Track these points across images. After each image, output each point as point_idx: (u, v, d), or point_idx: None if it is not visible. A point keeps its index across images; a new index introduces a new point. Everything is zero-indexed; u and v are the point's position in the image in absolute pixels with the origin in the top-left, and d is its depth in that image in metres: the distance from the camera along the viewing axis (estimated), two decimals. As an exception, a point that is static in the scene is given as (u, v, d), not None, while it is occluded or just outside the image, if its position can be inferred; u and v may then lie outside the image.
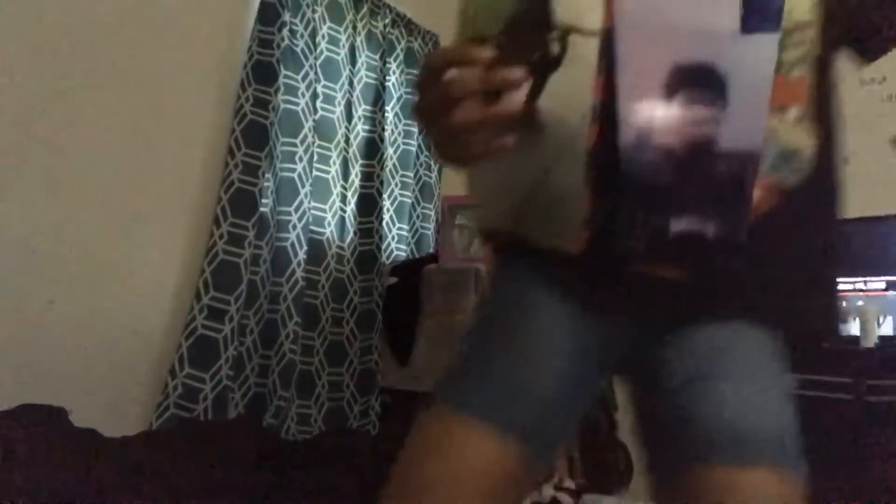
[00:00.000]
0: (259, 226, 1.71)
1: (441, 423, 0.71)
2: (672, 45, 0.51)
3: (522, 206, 0.62)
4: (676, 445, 0.68)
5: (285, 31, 1.82)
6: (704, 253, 0.55)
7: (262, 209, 1.72)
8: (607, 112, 0.52)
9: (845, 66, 2.41)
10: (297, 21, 1.87)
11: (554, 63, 0.55)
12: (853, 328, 2.12)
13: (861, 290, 2.18)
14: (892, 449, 1.80)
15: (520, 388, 0.71)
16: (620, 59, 0.52)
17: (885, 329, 2.09)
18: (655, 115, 0.51)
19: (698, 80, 0.51)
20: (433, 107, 0.57)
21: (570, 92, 0.54)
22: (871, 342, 2.00)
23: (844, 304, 2.20)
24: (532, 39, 0.56)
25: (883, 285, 2.15)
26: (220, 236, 1.65)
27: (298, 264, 1.85)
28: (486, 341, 0.76)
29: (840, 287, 2.22)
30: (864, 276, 2.18)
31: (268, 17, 1.79)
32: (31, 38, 1.39)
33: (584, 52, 0.54)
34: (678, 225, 0.54)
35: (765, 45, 0.49)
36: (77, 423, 1.36)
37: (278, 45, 1.79)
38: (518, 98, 0.54)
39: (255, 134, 1.73)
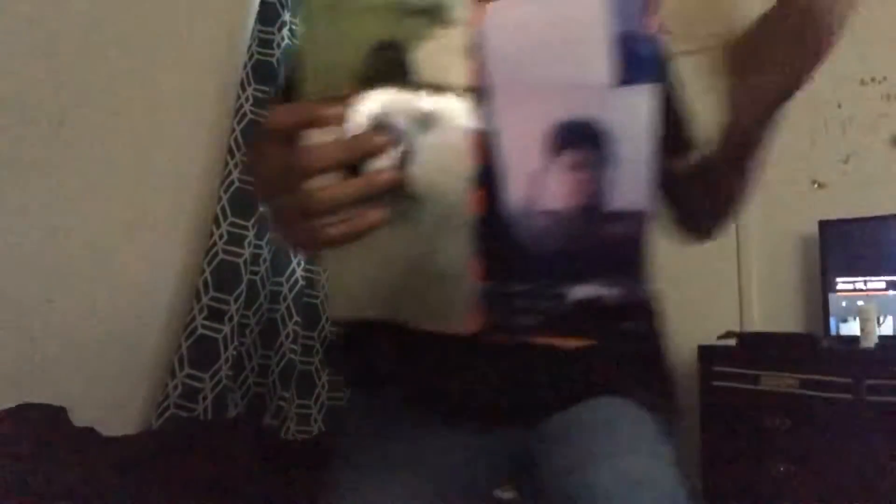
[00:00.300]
0: (259, 226, 1.71)
1: None
2: (547, 102, 0.48)
3: (399, 288, 0.53)
4: None
5: (285, 31, 1.82)
6: (607, 318, 0.53)
7: (262, 209, 1.72)
8: (488, 177, 0.49)
9: (845, 66, 2.41)
10: (297, 21, 1.87)
11: (422, 125, 0.49)
12: (853, 328, 2.12)
13: (861, 290, 2.18)
14: (893, 449, 1.80)
15: None
16: (498, 119, 0.49)
17: (885, 329, 2.10)
18: (540, 177, 0.49)
19: (580, 138, 0.48)
20: (278, 180, 0.48)
21: (443, 157, 0.48)
22: (871, 342, 2.00)
23: (844, 303, 2.20)
24: (394, 99, 0.49)
25: (883, 285, 2.15)
26: (220, 236, 1.65)
27: (298, 264, 1.85)
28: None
29: (840, 287, 2.22)
30: (864, 276, 2.19)
31: (268, 16, 1.79)
32: (29, 38, 1.39)
33: (454, 111, 0.48)
34: (576, 292, 0.52)
35: (643, 97, 0.47)
36: (77, 422, 1.36)
37: (278, 45, 1.79)
38: (387, 166, 0.47)
39: (255, 133, 1.73)
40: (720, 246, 2.60)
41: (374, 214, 0.47)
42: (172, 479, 1.41)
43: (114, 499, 1.30)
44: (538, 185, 0.49)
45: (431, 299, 0.53)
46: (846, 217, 2.27)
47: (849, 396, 1.88)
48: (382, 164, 0.47)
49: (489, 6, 0.49)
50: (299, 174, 0.46)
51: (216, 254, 1.64)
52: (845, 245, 2.24)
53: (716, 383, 2.15)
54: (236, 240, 1.66)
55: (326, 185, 0.46)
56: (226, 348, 1.62)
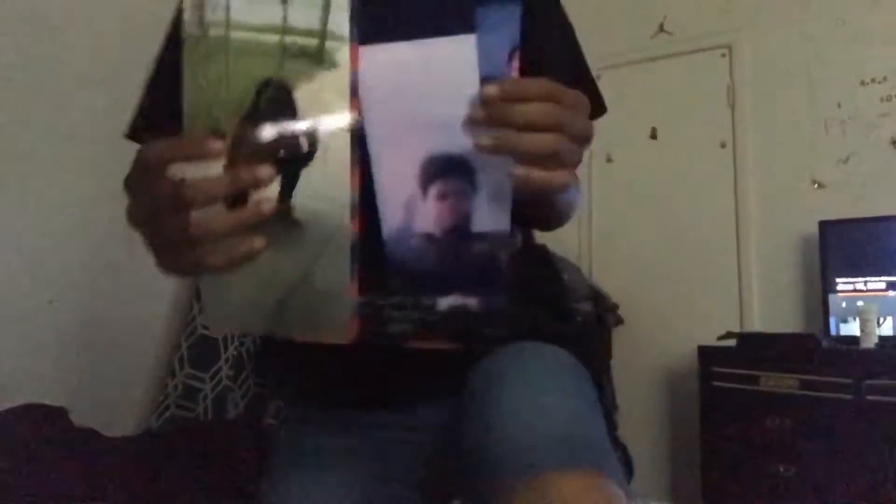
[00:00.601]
0: (259, 226, 1.72)
1: None
2: (420, 136, 0.54)
3: (280, 306, 0.57)
4: (469, 479, 0.64)
5: (285, 32, 1.82)
6: (471, 324, 0.59)
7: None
8: (367, 204, 0.54)
9: (845, 66, 2.42)
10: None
11: (304, 158, 0.53)
12: (853, 328, 2.13)
13: (861, 290, 2.18)
14: (893, 449, 1.80)
15: None
16: (373, 154, 0.55)
17: (885, 329, 2.10)
18: (414, 203, 0.55)
19: (449, 169, 0.55)
20: (158, 210, 0.50)
21: (325, 186, 0.54)
22: (871, 342, 2.00)
23: (844, 304, 2.20)
24: (278, 134, 0.53)
25: (883, 285, 2.15)
26: (220, 236, 1.65)
27: (298, 264, 1.85)
28: None
29: (840, 287, 2.22)
30: (864, 276, 2.19)
31: (268, 17, 1.79)
32: (31, 37, 1.39)
33: (335, 145, 0.53)
34: (445, 302, 0.58)
35: None
36: (77, 422, 1.37)
37: (278, 46, 1.79)
38: (268, 197, 0.51)
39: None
40: (720, 246, 2.60)
41: (254, 242, 0.51)
42: (172, 479, 1.41)
43: (113, 499, 1.30)
44: (412, 211, 0.55)
45: (311, 314, 0.58)
46: (846, 217, 2.28)
47: (849, 396, 1.88)
48: (265, 193, 0.51)
49: (365, 49, 0.55)
50: (182, 205, 0.49)
51: (216, 254, 1.64)
52: (845, 245, 2.24)
53: (716, 383, 2.15)
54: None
55: (209, 217, 0.49)
56: (226, 348, 1.62)
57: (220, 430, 1.57)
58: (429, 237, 0.56)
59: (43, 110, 1.42)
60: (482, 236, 0.57)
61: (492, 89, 0.51)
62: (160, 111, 0.73)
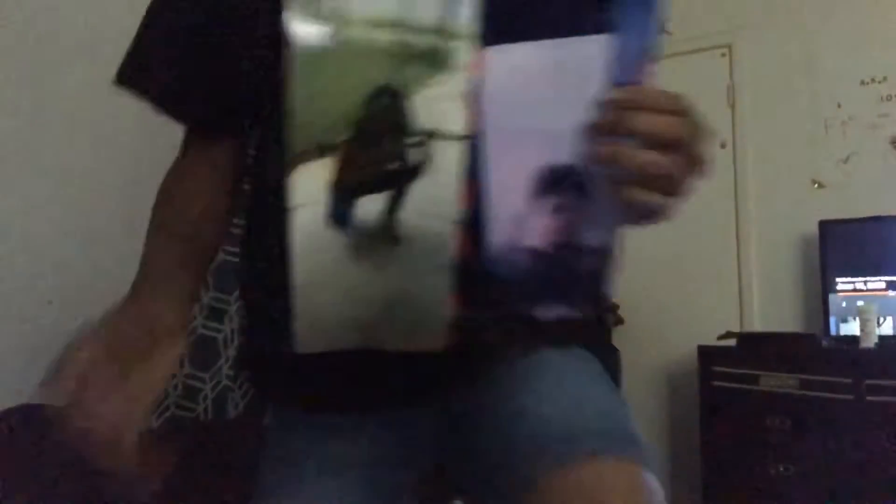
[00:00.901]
0: (259, 226, 1.71)
1: None
2: (538, 146, 0.50)
3: (376, 321, 0.55)
4: (499, 470, 0.62)
5: (285, 31, 1.82)
6: (569, 335, 0.60)
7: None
8: (474, 219, 0.51)
9: (845, 66, 2.41)
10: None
11: (414, 171, 0.50)
12: (853, 328, 2.13)
13: (861, 290, 2.18)
14: (893, 449, 1.80)
15: None
16: (489, 164, 0.51)
17: (885, 329, 2.10)
18: (523, 219, 0.51)
19: (564, 182, 0.51)
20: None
21: (433, 201, 0.50)
22: (871, 342, 2.00)
23: (844, 303, 2.21)
24: (387, 148, 0.50)
25: (883, 285, 2.15)
26: (220, 236, 1.65)
27: (298, 264, 1.85)
28: None
29: (840, 287, 2.22)
30: (864, 276, 2.19)
31: (268, 17, 1.79)
32: (33, 37, 1.39)
33: (447, 157, 0.50)
34: (544, 314, 0.56)
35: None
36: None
37: (278, 45, 1.79)
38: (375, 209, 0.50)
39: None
40: (720, 246, 2.60)
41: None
42: (171, 479, 1.41)
43: (113, 499, 1.30)
44: (521, 227, 0.52)
45: (406, 328, 0.56)
46: (846, 217, 2.27)
47: (849, 396, 1.89)
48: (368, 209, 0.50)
49: (489, 51, 0.50)
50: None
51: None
52: (845, 245, 2.24)
53: (716, 383, 2.15)
54: (237, 239, 1.66)
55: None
56: (226, 348, 1.62)
57: (220, 430, 1.57)
58: (535, 251, 0.52)
59: (43, 110, 1.42)
60: (590, 251, 0.53)
61: (618, 95, 0.48)
62: (156, 54, 0.74)
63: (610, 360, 0.75)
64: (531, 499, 0.57)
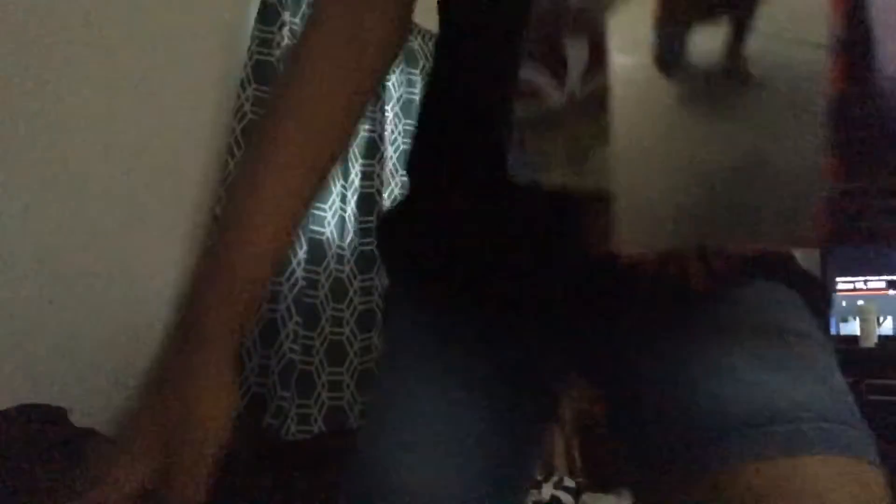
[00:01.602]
0: (259, 226, 1.71)
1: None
2: None
3: (721, 204, 0.41)
4: (675, 447, 0.49)
5: (285, 31, 1.82)
6: None
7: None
8: (852, 44, 0.37)
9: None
10: (297, 21, 1.87)
11: None
12: (853, 328, 2.13)
13: (861, 290, 2.18)
14: (893, 449, 1.80)
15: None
16: None
17: (885, 329, 2.10)
18: None
19: None
20: None
21: (793, 20, 0.37)
22: (871, 342, 2.00)
23: (844, 303, 2.21)
24: None
25: (883, 285, 2.16)
26: (220, 236, 1.65)
27: (298, 264, 1.85)
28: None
29: (840, 287, 2.22)
30: (864, 276, 2.19)
31: (268, 17, 1.79)
32: (30, 36, 1.39)
33: None
34: None
35: None
36: (77, 422, 1.36)
37: (278, 45, 1.79)
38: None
39: None
40: (720, 246, 2.60)
41: None
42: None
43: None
44: None
45: (762, 212, 0.41)
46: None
47: (849, 396, 1.89)
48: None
49: None
50: None
51: (216, 254, 1.64)
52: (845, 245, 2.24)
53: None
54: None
55: None
56: (226, 348, 1.62)
57: (220, 429, 1.56)
58: None
59: (42, 110, 1.42)
60: None
61: None
62: None
63: (818, 298, 0.58)
64: (706, 492, 0.45)
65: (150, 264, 1.60)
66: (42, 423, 1.30)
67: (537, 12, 0.44)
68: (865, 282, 2.19)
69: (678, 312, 0.53)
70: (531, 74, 0.45)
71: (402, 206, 0.67)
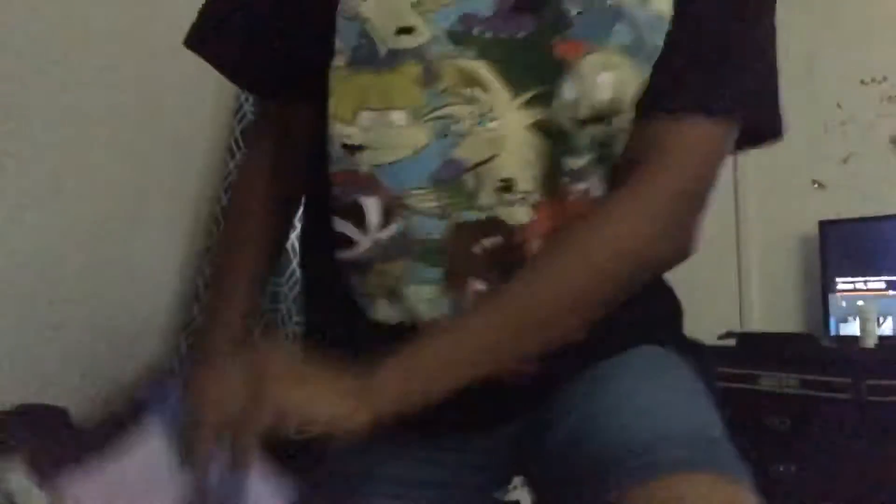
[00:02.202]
0: (259, 226, 1.71)
1: None
2: None
3: None
4: (584, 485, 0.56)
5: (285, 31, 1.82)
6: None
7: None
8: None
9: (845, 66, 2.41)
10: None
11: None
12: (853, 328, 2.12)
13: (861, 290, 2.18)
14: (893, 449, 1.80)
15: None
16: None
17: (885, 329, 2.09)
18: None
19: None
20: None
21: None
22: (871, 342, 2.00)
23: (844, 303, 2.20)
24: None
25: (883, 285, 2.15)
26: (220, 236, 1.65)
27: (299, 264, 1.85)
28: None
29: (840, 287, 2.22)
30: (864, 275, 2.19)
31: (268, 17, 1.78)
32: (30, 36, 1.39)
33: None
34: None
35: None
36: (77, 423, 1.36)
37: (278, 45, 1.79)
38: None
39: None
40: (720, 246, 2.60)
41: None
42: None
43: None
44: None
45: None
46: (846, 217, 2.27)
47: (849, 396, 1.88)
48: None
49: None
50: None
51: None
52: (845, 245, 2.24)
53: (716, 383, 2.15)
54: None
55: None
56: (226, 348, 1.61)
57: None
58: None
59: (42, 110, 1.42)
60: None
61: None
62: (228, 18, 0.72)
63: (703, 360, 0.70)
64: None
65: (150, 264, 1.60)
66: (42, 422, 1.30)
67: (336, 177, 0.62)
68: (865, 282, 2.18)
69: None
70: (340, 225, 0.63)
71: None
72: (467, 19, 0.57)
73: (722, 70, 0.60)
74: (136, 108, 1.58)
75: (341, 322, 0.67)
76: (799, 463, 1.94)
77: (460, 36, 0.57)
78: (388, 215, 0.60)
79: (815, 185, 2.46)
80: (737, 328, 2.42)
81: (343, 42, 0.60)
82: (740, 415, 2.11)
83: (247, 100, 1.73)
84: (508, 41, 0.57)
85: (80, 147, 1.47)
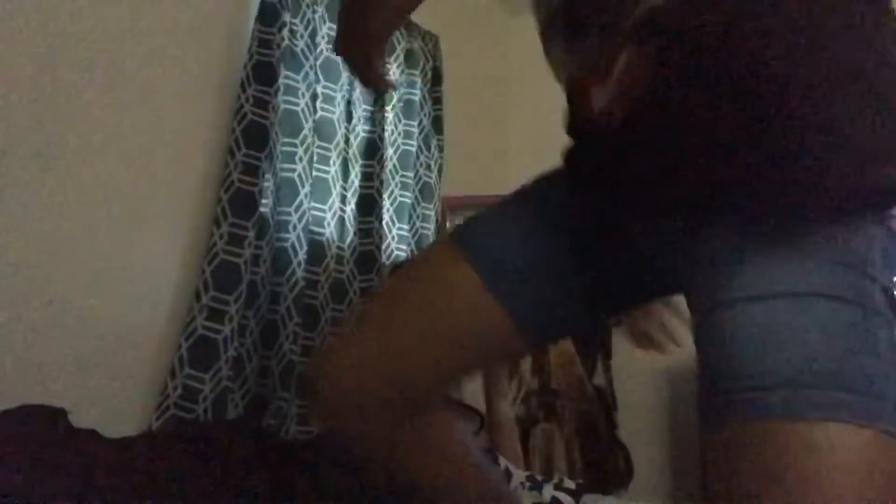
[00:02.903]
0: (259, 226, 1.71)
1: (441, 251, 0.79)
2: None
3: None
4: (713, 386, 0.54)
5: (285, 32, 1.82)
6: None
7: (262, 209, 1.73)
8: None
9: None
10: (297, 21, 1.87)
11: None
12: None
13: None
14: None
15: (515, 251, 0.75)
16: None
17: (885, 329, 2.09)
18: None
19: None
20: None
21: None
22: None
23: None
24: None
25: (883, 285, 2.15)
26: (220, 236, 1.65)
27: (298, 264, 1.85)
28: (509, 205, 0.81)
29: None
30: None
31: (268, 17, 1.79)
32: (29, 38, 1.39)
33: None
34: None
35: None
36: (77, 423, 1.36)
37: (278, 46, 1.79)
38: None
39: (255, 134, 1.73)
40: None
41: None
42: (171, 479, 1.41)
43: (113, 499, 1.30)
44: None
45: None
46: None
47: (849, 397, 1.88)
48: None
49: None
50: None
51: (216, 254, 1.64)
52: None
53: None
54: (237, 240, 1.66)
55: None
56: (226, 349, 1.62)
57: (220, 430, 1.56)
58: None
59: (42, 110, 1.42)
60: None
61: None
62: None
63: None
64: (722, 438, 0.49)
65: (150, 264, 1.60)
66: (42, 423, 1.30)
67: None
68: None
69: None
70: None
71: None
72: None
73: None
74: (137, 108, 1.58)
75: None
76: None
77: None
78: None
79: None
80: None
81: None
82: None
83: (247, 100, 1.73)
84: None
85: (80, 147, 1.47)
